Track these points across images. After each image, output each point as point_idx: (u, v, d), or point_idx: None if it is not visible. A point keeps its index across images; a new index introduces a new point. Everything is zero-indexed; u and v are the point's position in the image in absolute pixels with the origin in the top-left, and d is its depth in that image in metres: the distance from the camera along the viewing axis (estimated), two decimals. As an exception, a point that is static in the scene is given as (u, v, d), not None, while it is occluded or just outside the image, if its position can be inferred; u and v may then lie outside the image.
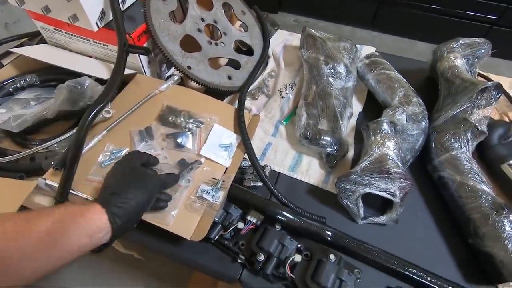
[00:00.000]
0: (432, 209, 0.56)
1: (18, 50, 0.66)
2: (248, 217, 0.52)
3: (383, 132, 0.53)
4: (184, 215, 0.48)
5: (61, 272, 1.18)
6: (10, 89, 0.64)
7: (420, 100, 0.63)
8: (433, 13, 1.91)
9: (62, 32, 0.66)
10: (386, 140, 0.52)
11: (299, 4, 2.21)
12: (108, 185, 0.43)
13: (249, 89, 0.73)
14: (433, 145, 0.58)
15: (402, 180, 0.49)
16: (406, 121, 0.57)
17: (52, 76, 0.67)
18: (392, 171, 0.49)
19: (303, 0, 2.16)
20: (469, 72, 0.66)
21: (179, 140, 0.54)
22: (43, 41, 0.74)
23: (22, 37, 0.78)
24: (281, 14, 2.31)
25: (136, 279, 1.16)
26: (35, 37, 0.80)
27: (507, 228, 0.46)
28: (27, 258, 0.32)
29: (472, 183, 0.51)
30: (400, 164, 0.51)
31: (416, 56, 0.87)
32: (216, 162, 0.54)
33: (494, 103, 0.56)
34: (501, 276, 0.45)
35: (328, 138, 0.59)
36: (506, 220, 0.47)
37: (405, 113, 0.57)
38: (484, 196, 0.49)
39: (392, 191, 0.50)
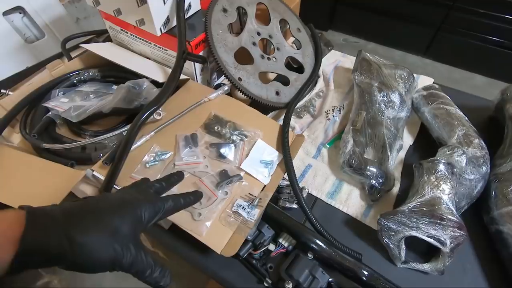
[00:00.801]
0: (484, 264, 0.51)
1: (86, 46, 0.71)
2: (280, 240, 0.50)
3: (439, 173, 0.49)
4: (217, 228, 0.47)
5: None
6: (74, 81, 0.69)
7: (482, 142, 0.57)
8: (494, 45, 1.78)
9: (127, 33, 0.71)
10: (441, 182, 0.48)
11: (350, 23, 2.18)
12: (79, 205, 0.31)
13: (295, 107, 0.72)
14: (494, 194, 0.53)
15: (456, 229, 0.45)
16: (466, 164, 0.52)
17: (112, 73, 0.72)
18: (445, 217, 0.45)
19: (355, 20, 2.13)
20: (543, 118, 0.60)
21: (222, 151, 0.54)
22: (108, 39, 0.80)
23: (90, 34, 0.84)
24: (331, 33, 2.29)
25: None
26: (101, 35, 0.86)
27: None
28: None
29: (538, 245, 0.45)
30: (455, 211, 0.47)
31: (472, 89, 0.81)
32: (255, 178, 0.53)
33: None
34: None
35: (374, 170, 0.56)
36: None
37: (464, 154, 0.53)
38: (552, 263, 0.43)
39: (442, 239, 0.45)
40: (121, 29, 0.71)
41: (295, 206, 0.55)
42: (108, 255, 0.29)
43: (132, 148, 0.52)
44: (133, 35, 0.70)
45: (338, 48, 0.91)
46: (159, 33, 0.62)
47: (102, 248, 0.29)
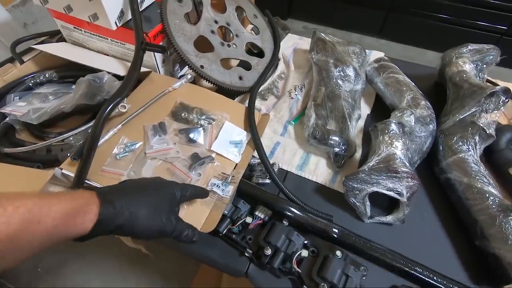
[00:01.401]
0: (439, 210, 0.57)
1: (39, 47, 0.69)
2: (257, 213, 0.53)
3: (391, 132, 0.54)
4: (195, 208, 0.49)
5: (67, 266, 1.19)
6: (30, 84, 0.67)
7: (428, 103, 0.64)
8: (442, 22, 1.92)
9: (81, 30, 0.69)
10: (394, 140, 0.53)
11: (308, 11, 2.25)
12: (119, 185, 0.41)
13: (259, 90, 0.75)
14: (441, 147, 0.59)
15: (409, 179, 0.50)
16: (414, 123, 0.58)
17: (70, 72, 0.70)
18: (399, 170, 0.50)
19: (312, 7, 2.20)
20: (478, 78, 0.67)
21: (191, 136, 0.55)
22: (62, 39, 0.77)
23: (42, 35, 0.81)
24: (290, 21, 2.34)
25: (140, 276, 1.17)
26: (54, 36, 0.83)
27: (514, 230, 0.46)
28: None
29: (479, 185, 0.51)
30: (407, 164, 0.52)
31: (425, 64, 0.88)
32: (226, 157, 0.56)
33: (502, 108, 0.57)
34: (508, 277, 0.45)
35: (336, 138, 0.60)
36: (513, 222, 0.47)
37: (413, 115, 0.58)
38: (491, 198, 0.50)
39: (399, 190, 0.50)
40: (74, 27, 0.70)
41: (268, 181, 0.58)
42: (157, 224, 0.38)
43: (100, 143, 0.52)
44: (88, 32, 0.69)
45: (300, 35, 0.95)
46: (114, 27, 0.62)
47: (152, 219, 0.38)
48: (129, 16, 0.64)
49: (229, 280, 0.99)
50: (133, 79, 0.55)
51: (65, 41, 0.76)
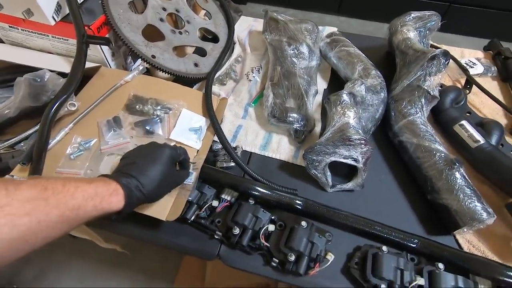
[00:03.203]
0: (395, 172, 0.60)
1: (-27, 51, 0.64)
2: (223, 196, 0.54)
3: (343, 103, 0.56)
4: (158, 198, 0.49)
5: (45, 278, 1.15)
6: (-32, 92, 0.62)
7: (379, 72, 0.66)
8: (396, -6, 1.97)
9: (18, 29, 0.65)
10: (346, 110, 0.55)
11: (267, -7, 2.22)
12: (122, 161, 0.44)
13: (217, 75, 0.74)
14: (393, 113, 0.62)
15: (362, 145, 0.52)
16: (365, 92, 0.60)
17: (11, 76, 0.65)
18: (353, 138, 0.52)
19: (271, -10, 2.18)
20: (422, 44, 0.70)
21: (148, 127, 0.55)
22: (-1, 41, 0.72)
23: (-24, 39, 0.75)
24: (250, 5, 2.31)
25: (123, 277, 1.16)
26: (-10, 38, 0.77)
27: (459, 181, 0.51)
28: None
29: (427, 144, 0.55)
30: (360, 131, 0.54)
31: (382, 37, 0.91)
32: (186, 145, 0.55)
33: (443, 69, 0.61)
34: (456, 224, 0.50)
35: (295, 115, 0.62)
36: (457, 173, 0.51)
37: (363, 84, 0.60)
38: (438, 154, 0.53)
39: (355, 157, 0.53)
40: (9, 26, 0.65)
41: (232, 164, 0.58)
42: (169, 187, 0.47)
43: (52, 144, 0.51)
44: (26, 30, 0.64)
45: (254, 17, 0.94)
46: (52, 22, 0.59)
47: (165, 186, 0.45)
48: (68, 10, 0.60)
49: (212, 273, 1.01)
50: (78, 74, 0.53)
51: (2, 42, 0.71)
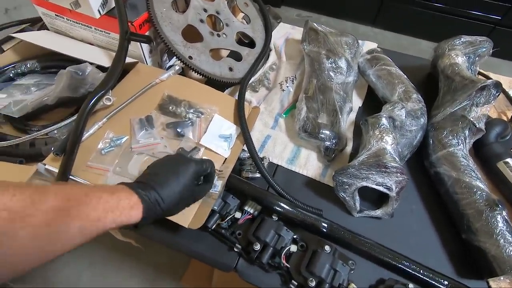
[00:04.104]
0: (427, 204, 0.57)
1: (20, 36, 0.66)
2: (246, 208, 0.52)
3: (382, 126, 0.54)
4: (183, 203, 0.48)
5: (57, 259, 1.18)
6: (11, 75, 0.64)
7: (420, 96, 0.63)
8: (436, 11, 1.90)
9: (63, 18, 0.66)
10: (384, 134, 0.53)
11: (302, -2, 2.20)
12: (147, 169, 0.43)
13: (250, 82, 0.73)
14: (431, 141, 0.59)
15: (398, 174, 0.50)
16: (405, 117, 0.57)
17: (53, 62, 0.67)
18: (389, 165, 0.50)
19: (306, -5, 2.15)
20: (470, 70, 0.67)
21: (179, 130, 0.54)
22: (44, 27, 0.74)
23: (23, 23, 0.78)
24: (284, 8, 2.29)
25: (132, 268, 1.17)
26: (36, 23, 0.79)
27: (500, 224, 0.47)
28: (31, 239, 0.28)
29: (467, 179, 0.52)
30: (397, 159, 0.52)
31: (418, 54, 0.87)
32: (215, 152, 0.55)
33: (492, 101, 0.57)
34: (492, 271, 0.46)
35: (327, 132, 0.60)
36: (499, 216, 0.47)
37: (404, 108, 0.58)
38: (478, 192, 0.50)
39: (389, 185, 0.50)
40: (56, 15, 0.67)
41: (257, 175, 0.57)
42: (187, 202, 0.44)
43: (85, 137, 0.51)
44: (71, 20, 0.66)
45: (293, 24, 0.93)
46: (97, 15, 0.59)
47: (185, 201, 0.43)
48: (113, 4, 0.61)
49: (220, 274, 1.00)
50: (118, 70, 0.53)
51: (47, 29, 0.73)
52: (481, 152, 0.60)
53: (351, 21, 2.21)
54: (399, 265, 0.48)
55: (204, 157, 0.53)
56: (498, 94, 0.57)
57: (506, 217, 0.48)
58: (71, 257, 1.19)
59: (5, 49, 0.69)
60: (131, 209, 0.35)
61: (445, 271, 0.49)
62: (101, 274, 1.16)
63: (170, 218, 0.47)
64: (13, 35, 0.67)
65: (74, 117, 0.55)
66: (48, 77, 0.65)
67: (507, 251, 0.45)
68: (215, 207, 0.50)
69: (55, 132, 0.57)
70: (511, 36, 1.82)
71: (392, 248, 0.50)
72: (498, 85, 0.56)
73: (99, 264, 1.18)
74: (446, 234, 0.54)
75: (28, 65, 0.65)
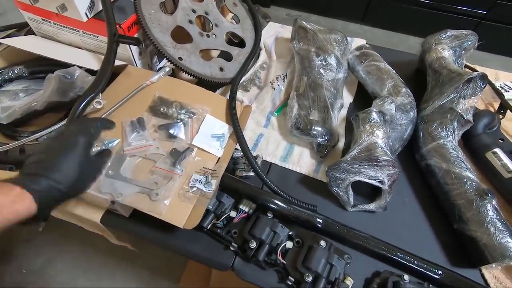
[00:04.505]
0: (419, 196, 0.58)
1: (6, 41, 0.65)
2: (241, 206, 0.53)
3: (372, 121, 0.54)
4: (177, 204, 0.48)
5: (52, 266, 1.17)
6: (-2, 81, 0.63)
7: (409, 91, 0.64)
8: (423, 7, 1.93)
9: (50, 22, 0.65)
10: (375, 129, 0.54)
11: (291, -3, 2.21)
12: (27, 160, 0.38)
13: (241, 81, 0.73)
14: (421, 134, 0.60)
15: (390, 167, 0.50)
16: (395, 111, 0.58)
17: (41, 67, 0.66)
18: (380, 159, 0.50)
19: (295, -6, 2.16)
20: (456, 64, 0.68)
21: (171, 131, 0.54)
22: (31, 32, 0.73)
23: (9, 28, 0.77)
24: (273, 8, 2.30)
25: (128, 272, 1.16)
26: (22, 29, 0.78)
27: (490, 213, 0.48)
28: None
29: (457, 170, 0.53)
30: (388, 152, 0.52)
31: (407, 50, 0.88)
32: (208, 152, 0.55)
33: (479, 93, 0.58)
34: (484, 259, 0.47)
35: (319, 128, 0.60)
36: (489, 205, 0.48)
37: (393, 103, 0.58)
38: (468, 182, 0.51)
39: (381, 178, 0.51)
40: (42, 19, 0.66)
41: (251, 173, 0.57)
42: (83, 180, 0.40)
43: (75, 141, 0.50)
44: (58, 24, 0.65)
45: (283, 23, 0.93)
46: (85, 19, 0.59)
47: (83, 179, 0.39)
48: (100, 7, 0.61)
49: (218, 274, 1.00)
50: (107, 73, 0.53)
51: (34, 34, 0.72)
52: (470, 143, 0.61)
53: (341, 19, 2.23)
54: (394, 257, 0.49)
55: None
56: (484, 86, 0.58)
57: (496, 206, 0.49)
58: (66, 264, 1.18)
59: (-9, 55, 0.68)
60: (14, 204, 0.32)
61: (439, 261, 0.49)
62: (96, 279, 1.15)
63: (164, 218, 0.47)
64: (0, 40, 0.66)
65: (63, 122, 0.55)
66: (36, 82, 0.64)
67: (497, 238, 0.46)
68: (209, 207, 0.50)
69: (45, 137, 0.56)
70: (496, 30, 1.85)
71: (387, 241, 0.50)
72: (484, 77, 0.57)
73: (94, 270, 1.17)
74: (438, 224, 0.54)
75: (16, 71, 0.64)
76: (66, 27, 0.65)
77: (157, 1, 0.65)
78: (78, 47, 0.69)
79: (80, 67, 0.58)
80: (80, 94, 0.57)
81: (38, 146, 0.42)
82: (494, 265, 0.46)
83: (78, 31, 0.64)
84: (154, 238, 0.52)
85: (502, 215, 0.49)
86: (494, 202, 0.49)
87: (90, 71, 0.59)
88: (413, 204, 0.57)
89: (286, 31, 0.88)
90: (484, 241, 0.47)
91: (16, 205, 0.32)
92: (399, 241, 0.51)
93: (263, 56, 0.81)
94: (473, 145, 0.61)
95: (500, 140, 0.62)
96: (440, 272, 0.47)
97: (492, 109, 0.70)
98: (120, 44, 0.59)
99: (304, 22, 0.76)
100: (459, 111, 0.57)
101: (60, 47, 0.68)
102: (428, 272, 0.47)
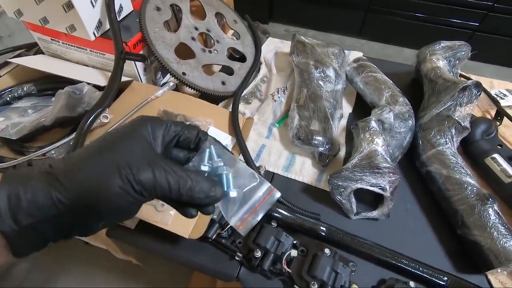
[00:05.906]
0: (421, 202, 0.59)
1: (16, 60, 0.68)
2: (245, 216, 0.53)
3: (372, 129, 0.56)
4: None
5: (56, 282, 1.16)
6: (8, 99, 0.65)
7: (406, 100, 0.66)
8: (418, 21, 1.99)
9: (59, 42, 0.68)
10: (374, 137, 0.55)
11: (289, 14, 2.28)
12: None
13: (243, 94, 0.76)
14: (420, 142, 0.61)
15: (391, 174, 0.51)
16: (393, 120, 0.59)
17: (49, 85, 0.69)
18: (381, 166, 0.51)
19: (293, 10, 2.23)
20: (451, 73, 0.70)
21: (175, 143, 0.55)
22: (39, 52, 0.76)
23: (18, 49, 0.80)
24: (272, 25, 2.37)
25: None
26: (31, 48, 0.81)
27: (492, 217, 0.48)
28: None
29: (457, 176, 0.53)
30: (389, 159, 0.53)
31: (403, 62, 0.91)
32: (212, 163, 0.56)
33: (475, 101, 0.60)
34: (489, 263, 0.47)
35: (320, 138, 0.62)
36: (490, 210, 0.49)
37: (392, 112, 0.60)
38: (469, 188, 0.52)
39: (382, 185, 0.52)
40: (51, 39, 0.69)
41: (255, 184, 0.58)
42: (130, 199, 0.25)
43: (82, 155, 0.52)
44: (66, 44, 0.68)
45: (282, 39, 0.96)
46: (93, 38, 0.62)
47: (122, 193, 0.24)
48: (107, 26, 0.63)
49: (223, 284, 0.99)
50: (114, 89, 0.55)
51: (43, 53, 0.75)
52: (469, 149, 0.62)
53: (338, 33, 2.29)
54: (399, 264, 0.49)
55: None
56: (479, 94, 0.60)
57: (498, 210, 0.49)
58: (69, 282, 1.16)
59: (1, 74, 0.70)
60: None
61: (444, 267, 0.49)
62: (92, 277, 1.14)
63: (169, 228, 0.47)
64: (10, 60, 0.68)
65: (71, 137, 0.56)
66: (45, 99, 0.66)
67: (501, 242, 0.46)
68: (214, 217, 0.51)
69: (53, 152, 0.57)
70: (489, 41, 1.90)
71: (391, 248, 0.51)
72: (478, 85, 0.59)
73: (98, 286, 1.16)
74: (442, 230, 0.55)
75: (25, 88, 0.66)
76: (74, 46, 0.67)
77: (161, 19, 0.68)
78: (85, 65, 0.71)
79: (88, 83, 0.60)
80: (88, 109, 0.59)
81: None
82: (499, 270, 0.46)
83: (86, 49, 0.67)
84: (160, 249, 0.53)
85: (505, 220, 0.49)
86: (495, 206, 0.49)
87: (98, 87, 0.61)
88: (415, 211, 0.58)
89: (285, 46, 0.91)
90: (488, 245, 0.47)
91: None
92: (403, 248, 0.51)
93: (263, 70, 0.83)
94: (472, 151, 0.62)
95: (498, 146, 0.63)
96: (445, 278, 0.47)
97: (489, 116, 0.72)
98: (126, 61, 0.61)
99: (302, 37, 0.78)
100: (456, 118, 0.58)
101: (68, 65, 0.71)
102: (434, 279, 0.47)
